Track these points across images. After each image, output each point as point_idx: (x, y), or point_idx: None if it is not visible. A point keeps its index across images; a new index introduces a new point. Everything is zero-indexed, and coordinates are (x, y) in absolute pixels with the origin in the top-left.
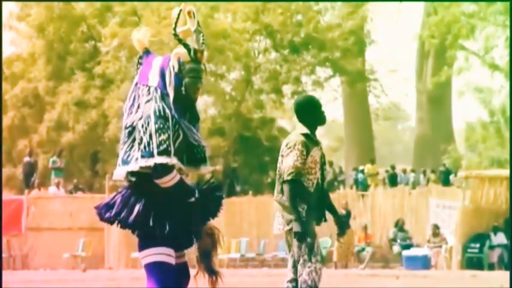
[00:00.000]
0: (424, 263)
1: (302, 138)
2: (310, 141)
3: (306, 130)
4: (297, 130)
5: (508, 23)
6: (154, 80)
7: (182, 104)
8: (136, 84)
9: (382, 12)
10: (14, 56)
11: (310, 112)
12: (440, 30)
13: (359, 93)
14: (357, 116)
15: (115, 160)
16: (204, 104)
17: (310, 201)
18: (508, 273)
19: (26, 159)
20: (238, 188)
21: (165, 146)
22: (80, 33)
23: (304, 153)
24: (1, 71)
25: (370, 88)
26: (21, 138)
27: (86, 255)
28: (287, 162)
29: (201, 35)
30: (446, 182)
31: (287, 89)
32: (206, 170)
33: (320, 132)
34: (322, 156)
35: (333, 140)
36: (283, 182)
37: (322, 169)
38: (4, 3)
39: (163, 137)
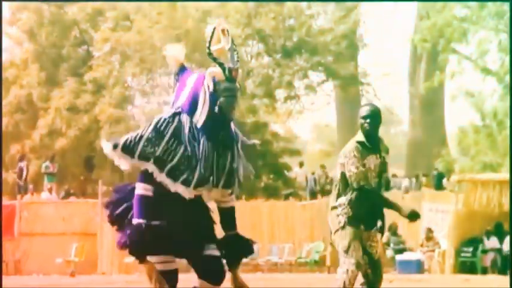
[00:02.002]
0: (418, 267)
1: (355, 145)
2: (365, 148)
3: (361, 138)
4: (354, 138)
5: (500, 27)
6: (182, 100)
7: (216, 123)
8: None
9: (375, 15)
10: (7, 62)
11: (359, 120)
12: (433, 34)
13: (352, 98)
14: (350, 121)
15: (107, 165)
16: None
17: (364, 206)
18: (507, 277)
19: (19, 164)
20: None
21: (147, 154)
22: (72, 37)
23: (359, 158)
24: (1, 70)
25: (363, 92)
26: (14, 144)
27: (79, 260)
28: (350, 170)
29: (236, 52)
30: (439, 186)
31: (280, 93)
32: (207, 197)
33: (312, 136)
34: (382, 165)
35: (326, 144)
36: (354, 190)
37: (380, 177)
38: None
39: (149, 148)
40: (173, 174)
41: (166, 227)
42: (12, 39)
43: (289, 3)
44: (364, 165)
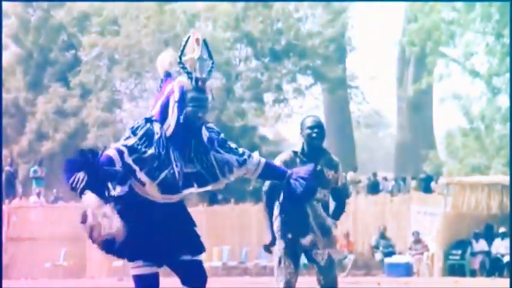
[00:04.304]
0: (406, 270)
1: (285, 155)
2: (299, 160)
3: (298, 148)
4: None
5: (487, 29)
6: (156, 108)
7: (184, 132)
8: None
9: (363, 19)
10: None
11: (302, 131)
12: (420, 37)
13: (340, 101)
14: (338, 124)
15: None
16: None
17: (291, 218)
18: (507, 280)
19: (7, 168)
20: (220, 196)
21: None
22: (60, 42)
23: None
24: (1, 69)
25: (351, 95)
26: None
27: (68, 264)
28: None
29: (210, 62)
30: (427, 189)
31: (268, 97)
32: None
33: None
34: (320, 178)
35: None
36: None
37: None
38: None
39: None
40: (140, 164)
41: (132, 230)
42: None
43: (277, 7)
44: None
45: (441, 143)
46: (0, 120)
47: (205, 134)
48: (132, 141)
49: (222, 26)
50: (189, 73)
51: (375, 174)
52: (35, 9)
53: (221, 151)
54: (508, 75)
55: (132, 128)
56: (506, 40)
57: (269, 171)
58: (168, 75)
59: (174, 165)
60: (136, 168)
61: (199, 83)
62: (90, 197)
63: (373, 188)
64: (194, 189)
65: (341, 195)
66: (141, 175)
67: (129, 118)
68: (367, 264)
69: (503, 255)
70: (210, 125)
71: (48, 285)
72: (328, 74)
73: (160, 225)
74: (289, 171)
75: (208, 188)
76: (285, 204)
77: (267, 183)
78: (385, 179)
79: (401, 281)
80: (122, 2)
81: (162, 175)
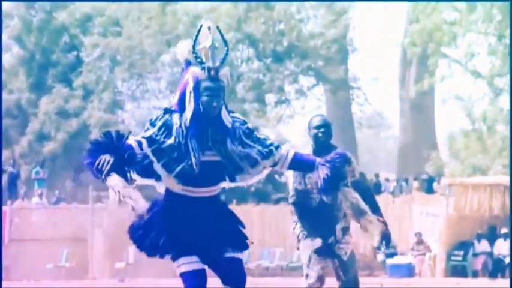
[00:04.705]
0: (408, 271)
1: None
2: None
3: (309, 149)
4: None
5: (489, 30)
6: (175, 98)
7: (201, 122)
8: None
9: (365, 20)
10: None
11: (309, 131)
12: (422, 38)
13: (342, 102)
14: (340, 125)
15: None
16: None
17: (314, 219)
18: (507, 280)
19: (10, 169)
20: (222, 197)
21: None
22: (62, 43)
23: (301, 174)
24: (1, 68)
25: (353, 96)
26: (4, 149)
27: (70, 265)
28: (288, 185)
29: (225, 50)
30: (429, 190)
31: (270, 97)
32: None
33: (303, 141)
34: None
35: None
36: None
37: None
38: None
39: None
40: (158, 155)
41: (172, 227)
42: None
43: (279, 8)
44: (308, 179)
45: (443, 144)
46: (0, 121)
47: (228, 122)
48: (150, 132)
49: (224, 27)
50: (201, 62)
51: (376, 175)
52: (37, 10)
53: (247, 141)
54: (509, 75)
55: (151, 119)
56: (508, 41)
57: (298, 162)
58: (188, 63)
59: (192, 156)
60: (154, 159)
61: (212, 72)
62: (115, 179)
63: (375, 189)
64: (226, 184)
65: (364, 188)
66: (158, 167)
67: (131, 119)
68: (369, 265)
69: (505, 256)
70: (235, 114)
71: (50, 286)
72: (330, 75)
73: (200, 222)
74: (318, 159)
75: (238, 182)
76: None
77: (292, 192)
78: (387, 180)
79: (404, 282)
80: (124, 2)
81: (179, 168)
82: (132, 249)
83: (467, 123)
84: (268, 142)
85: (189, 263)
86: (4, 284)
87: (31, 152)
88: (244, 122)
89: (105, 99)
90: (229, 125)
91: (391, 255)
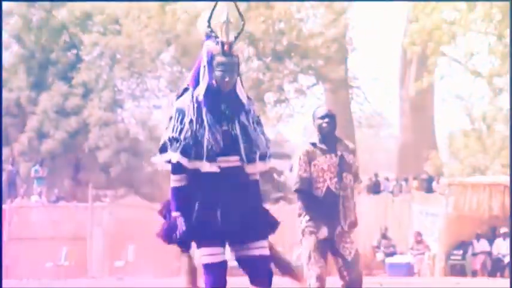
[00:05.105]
0: (408, 270)
1: (306, 147)
2: (318, 149)
3: (314, 139)
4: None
5: (489, 30)
6: (190, 74)
7: (215, 97)
8: None
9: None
10: None
11: (314, 121)
12: (422, 38)
13: (342, 101)
14: (340, 124)
15: (96, 168)
16: None
17: (320, 209)
18: (507, 280)
19: (9, 168)
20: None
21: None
22: (62, 41)
23: (307, 162)
24: (1, 69)
25: (352, 96)
26: (3, 147)
27: (69, 264)
28: (293, 172)
29: (241, 24)
30: (429, 189)
31: (270, 97)
32: (208, 168)
33: (303, 140)
34: (341, 164)
35: None
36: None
37: (340, 176)
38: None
39: (174, 134)
40: (186, 153)
41: (203, 216)
42: None
43: (279, 7)
44: (314, 166)
45: (443, 143)
46: (0, 120)
47: (244, 98)
48: (169, 128)
49: None
50: (216, 37)
51: (376, 175)
52: (37, 8)
53: (257, 129)
54: (509, 75)
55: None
56: (508, 40)
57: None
58: (208, 37)
59: (208, 129)
60: (186, 161)
61: (226, 47)
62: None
63: (375, 188)
64: (253, 166)
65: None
66: (193, 163)
67: (131, 118)
68: (368, 264)
69: (504, 256)
70: (252, 102)
71: (49, 285)
72: (329, 75)
73: (227, 196)
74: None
75: (257, 163)
76: (312, 201)
77: (297, 180)
78: (387, 179)
79: (403, 281)
80: (123, 2)
81: (194, 149)
82: (132, 247)
83: (467, 123)
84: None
85: (211, 255)
86: (3, 283)
87: (30, 150)
88: (258, 117)
89: (104, 98)
90: (245, 102)
91: (390, 254)
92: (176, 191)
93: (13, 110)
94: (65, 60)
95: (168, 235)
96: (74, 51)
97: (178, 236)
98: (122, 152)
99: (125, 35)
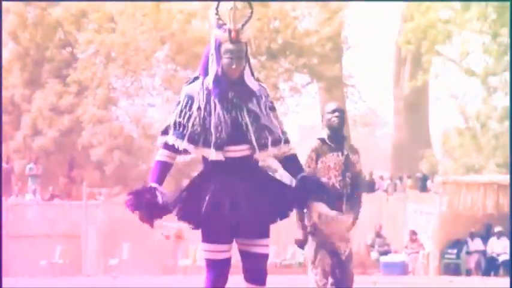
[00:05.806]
0: (402, 269)
1: (315, 144)
2: (326, 146)
3: (323, 135)
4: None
5: (484, 29)
6: (201, 62)
7: (223, 84)
8: None
9: (360, 18)
10: None
11: (323, 117)
12: (416, 36)
13: (337, 100)
14: None
15: (91, 166)
16: None
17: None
18: (507, 279)
19: (4, 166)
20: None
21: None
22: (56, 39)
23: (314, 158)
24: (1, 69)
25: (347, 94)
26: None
27: (63, 262)
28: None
29: (249, 12)
30: (423, 188)
31: None
32: (215, 156)
33: (298, 138)
34: (346, 163)
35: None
36: None
37: (344, 175)
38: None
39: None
40: (193, 140)
41: (212, 207)
42: None
43: (274, 6)
44: (321, 163)
45: (437, 142)
46: (0, 119)
47: (253, 86)
48: (175, 112)
49: None
50: (223, 24)
51: (371, 173)
52: (33, 6)
53: (271, 114)
54: (504, 74)
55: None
56: (503, 39)
57: (289, 165)
58: (219, 26)
59: (216, 117)
60: (193, 148)
61: (233, 34)
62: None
63: (369, 187)
64: (265, 153)
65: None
66: (200, 150)
67: (125, 116)
68: (362, 263)
69: (498, 255)
70: (264, 85)
71: (44, 283)
72: (324, 73)
73: (235, 185)
74: (300, 176)
75: (269, 148)
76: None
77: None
78: (381, 178)
79: (397, 280)
80: (118, 0)
81: (203, 136)
82: (126, 246)
83: (461, 122)
84: (282, 130)
85: (214, 252)
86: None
87: (24, 147)
88: (271, 102)
89: (99, 96)
90: (255, 89)
91: (384, 253)
92: (163, 165)
93: (8, 108)
94: (60, 58)
95: (135, 203)
96: (69, 49)
97: (145, 206)
98: (116, 150)
99: (120, 33)
